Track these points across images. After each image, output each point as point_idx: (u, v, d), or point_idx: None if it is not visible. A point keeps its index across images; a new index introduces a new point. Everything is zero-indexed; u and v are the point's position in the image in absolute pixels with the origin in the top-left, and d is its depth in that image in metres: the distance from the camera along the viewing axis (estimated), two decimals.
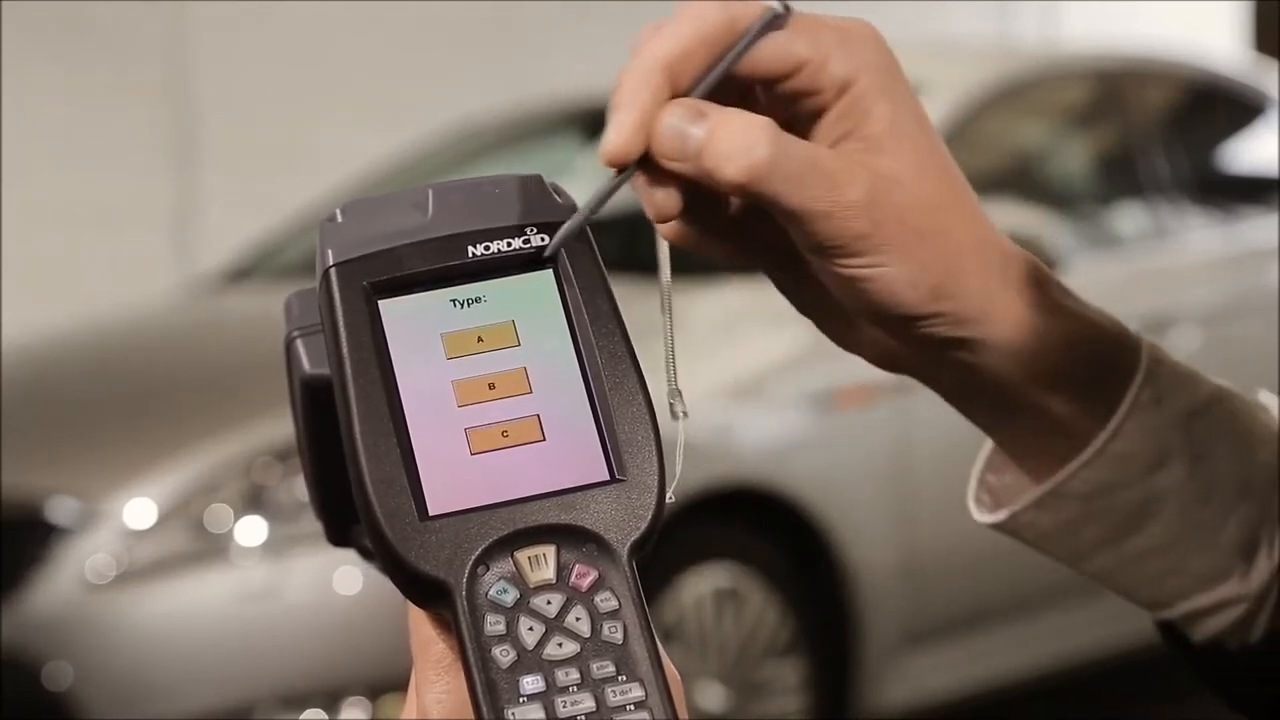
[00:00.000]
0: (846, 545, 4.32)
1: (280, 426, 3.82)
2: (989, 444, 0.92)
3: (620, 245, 4.99)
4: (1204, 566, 0.89)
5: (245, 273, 5.27)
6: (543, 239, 0.74)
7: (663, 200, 0.76)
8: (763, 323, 4.37)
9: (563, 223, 0.74)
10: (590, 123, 5.42)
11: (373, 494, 0.70)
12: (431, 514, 0.70)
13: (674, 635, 4.05)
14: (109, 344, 4.81)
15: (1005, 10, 9.39)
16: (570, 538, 0.70)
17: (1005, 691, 4.70)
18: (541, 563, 0.70)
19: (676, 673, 0.71)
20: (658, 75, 0.75)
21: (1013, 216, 4.62)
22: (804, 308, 0.86)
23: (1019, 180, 5.36)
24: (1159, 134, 5.43)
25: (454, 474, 0.71)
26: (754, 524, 4.27)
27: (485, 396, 0.72)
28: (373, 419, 0.71)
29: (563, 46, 7.52)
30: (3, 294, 6.52)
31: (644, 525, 0.71)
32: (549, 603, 0.69)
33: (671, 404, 0.74)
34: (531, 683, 0.68)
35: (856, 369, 4.53)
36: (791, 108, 0.80)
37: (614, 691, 0.68)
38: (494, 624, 0.68)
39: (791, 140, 0.77)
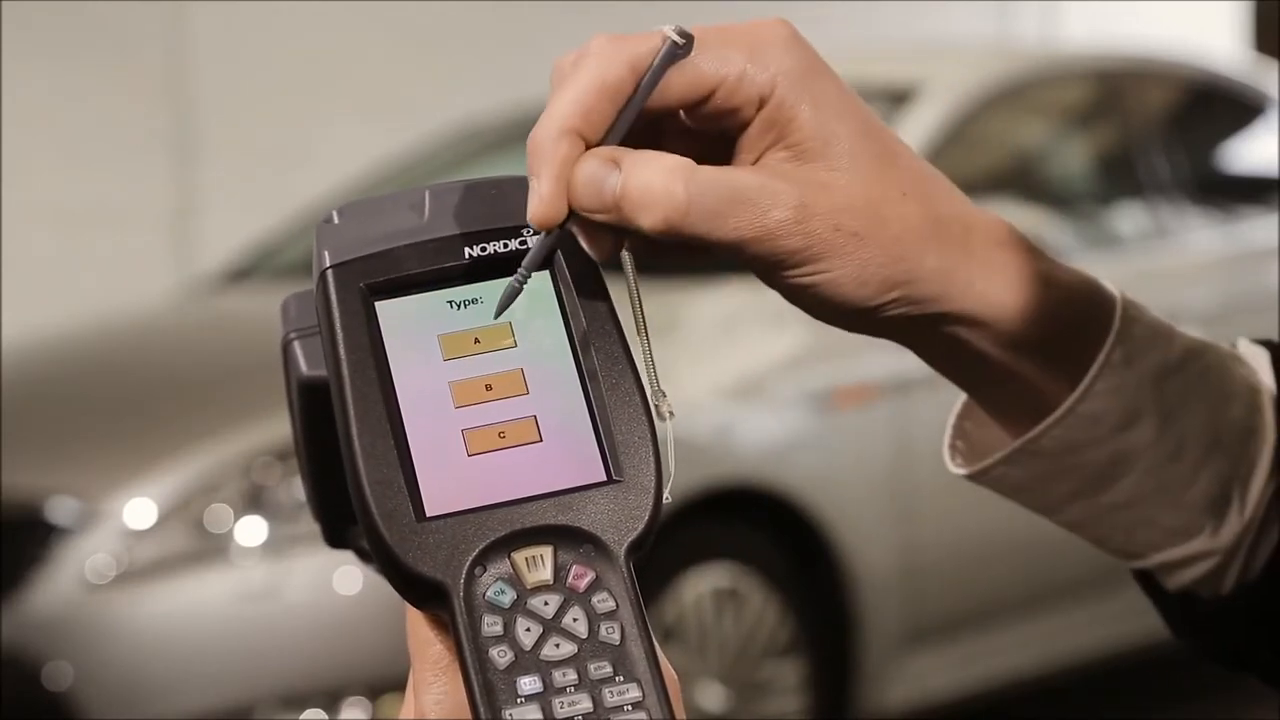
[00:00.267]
0: (846, 545, 4.32)
1: (280, 426, 3.82)
2: (964, 396, 0.92)
3: None
4: (1174, 521, 0.90)
5: (245, 273, 5.27)
6: (539, 241, 0.74)
7: (600, 245, 0.76)
8: (763, 323, 4.37)
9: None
10: None
11: (370, 495, 0.70)
12: (429, 515, 0.70)
13: (674, 635, 4.05)
14: (109, 344, 4.81)
15: (1005, 10, 9.39)
16: (567, 538, 0.70)
17: (1005, 691, 4.70)
18: (539, 563, 0.70)
19: (674, 673, 0.71)
20: (565, 137, 0.75)
21: (1013, 216, 4.61)
22: (783, 296, 0.86)
23: (1019, 180, 5.36)
24: (1159, 134, 5.43)
25: (451, 475, 0.71)
26: (754, 524, 4.27)
27: (482, 397, 0.72)
28: (370, 420, 0.71)
29: (563, 46, 7.50)
30: (3, 294, 6.52)
31: (641, 526, 0.71)
32: (546, 603, 0.69)
33: (657, 405, 0.74)
34: (529, 683, 0.68)
35: (856, 369, 4.53)
36: (715, 125, 0.80)
37: (611, 692, 0.68)
38: (491, 625, 0.69)
39: (708, 175, 0.77)
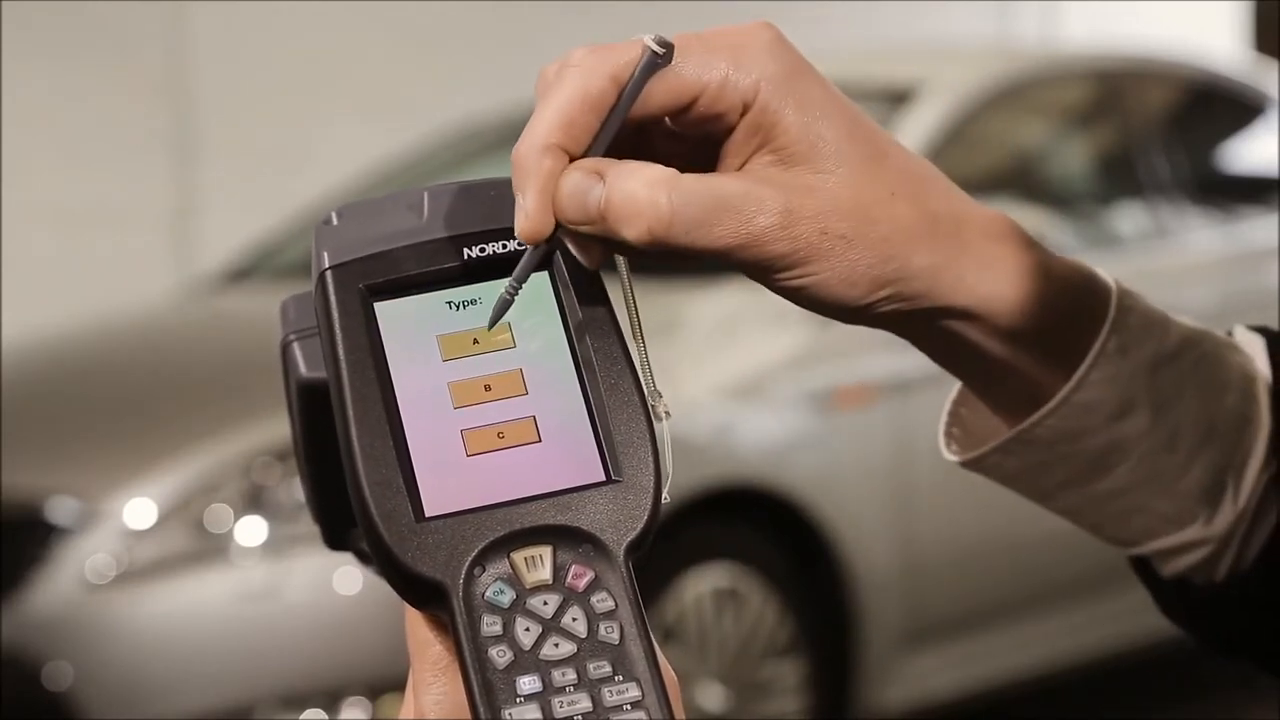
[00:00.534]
0: (846, 545, 4.32)
1: (280, 426, 3.81)
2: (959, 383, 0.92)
3: None
4: (1168, 510, 0.90)
5: (245, 273, 5.27)
6: None
7: (590, 254, 0.76)
8: (763, 323, 4.37)
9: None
10: None
11: (369, 495, 0.70)
12: (428, 515, 0.70)
13: (674, 635, 4.05)
14: (109, 344, 4.81)
15: (1005, 10, 9.39)
16: (567, 538, 0.70)
17: (1005, 691, 4.70)
18: (538, 563, 0.70)
19: (673, 673, 0.71)
20: (549, 151, 0.75)
21: (1013, 216, 4.62)
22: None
23: (1019, 180, 5.36)
24: (1159, 134, 5.43)
25: (450, 475, 0.71)
26: (754, 524, 4.27)
27: (481, 398, 0.72)
28: (369, 420, 0.71)
29: (563, 46, 7.50)
30: (3, 294, 6.52)
31: (640, 526, 0.71)
32: (546, 603, 0.69)
33: (653, 405, 0.74)
34: (528, 683, 0.68)
35: (856, 369, 4.52)
36: (700, 131, 0.80)
37: (611, 691, 0.68)
38: (491, 625, 0.69)
39: (691, 184, 0.77)
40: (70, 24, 6.88)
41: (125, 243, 6.96)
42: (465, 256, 0.74)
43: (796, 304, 0.82)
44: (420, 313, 0.73)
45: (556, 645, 0.68)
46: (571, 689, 0.68)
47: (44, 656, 3.80)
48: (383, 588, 0.73)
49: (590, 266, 0.76)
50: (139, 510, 3.87)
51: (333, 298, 0.73)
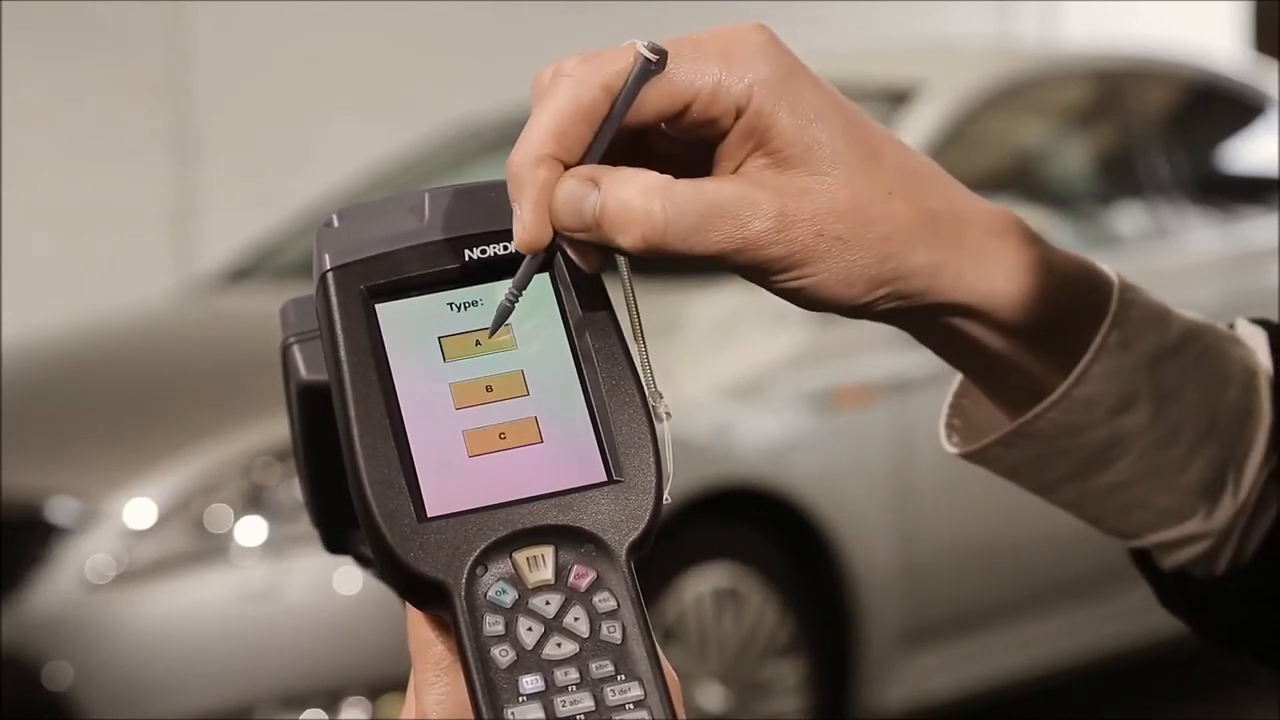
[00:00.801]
0: (846, 545, 4.32)
1: (280, 426, 3.81)
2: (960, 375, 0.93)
3: None
4: (1168, 504, 0.90)
5: (245, 273, 5.27)
6: None
7: (588, 260, 0.77)
8: (763, 323, 4.37)
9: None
10: None
11: (371, 496, 0.70)
12: (430, 515, 0.70)
13: (674, 635, 4.05)
14: (109, 344, 4.81)
15: (1005, 10, 9.39)
16: (568, 538, 0.70)
17: (1005, 691, 4.70)
18: (540, 563, 0.70)
19: (674, 673, 0.71)
20: (544, 162, 0.75)
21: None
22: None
23: (1019, 180, 5.36)
24: (1159, 134, 5.43)
25: (452, 476, 0.71)
26: (754, 524, 4.27)
27: (483, 399, 0.72)
28: (371, 421, 0.71)
29: (563, 46, 7.50)
30: (3, 294, 6.52)
31: (642, 526, 0.71)
32: (548, 603, 0.69)
33: (654, 406, 0.74)
34: (531, 682, 0.68)
35: (856, 369, 4.52)
36: (695, 135, 0.80)
37: (613, 691, 0.68)
38: (493, 624, 0.69)
39: (685, 190, 0.77)
40: (70, 24, 6.88)
41: (125, 243, 6.96)
42: (466, 258, 0.74)
43: (795, 304, 0.82)
44: (422, 314, 0.73)
45: (559, 645, 0.69)
46: (574, 688, 0.68)
47: (44, 656, 3.80)
48: (383, 588, 0.74)
49: (589, 271, 0.76)
50: (139, 510, 3.87)
51: (334, 299, 0.73)
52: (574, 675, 0.68)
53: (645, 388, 0.73)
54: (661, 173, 0.77)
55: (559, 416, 0.72)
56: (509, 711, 0.67)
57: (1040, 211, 4.83)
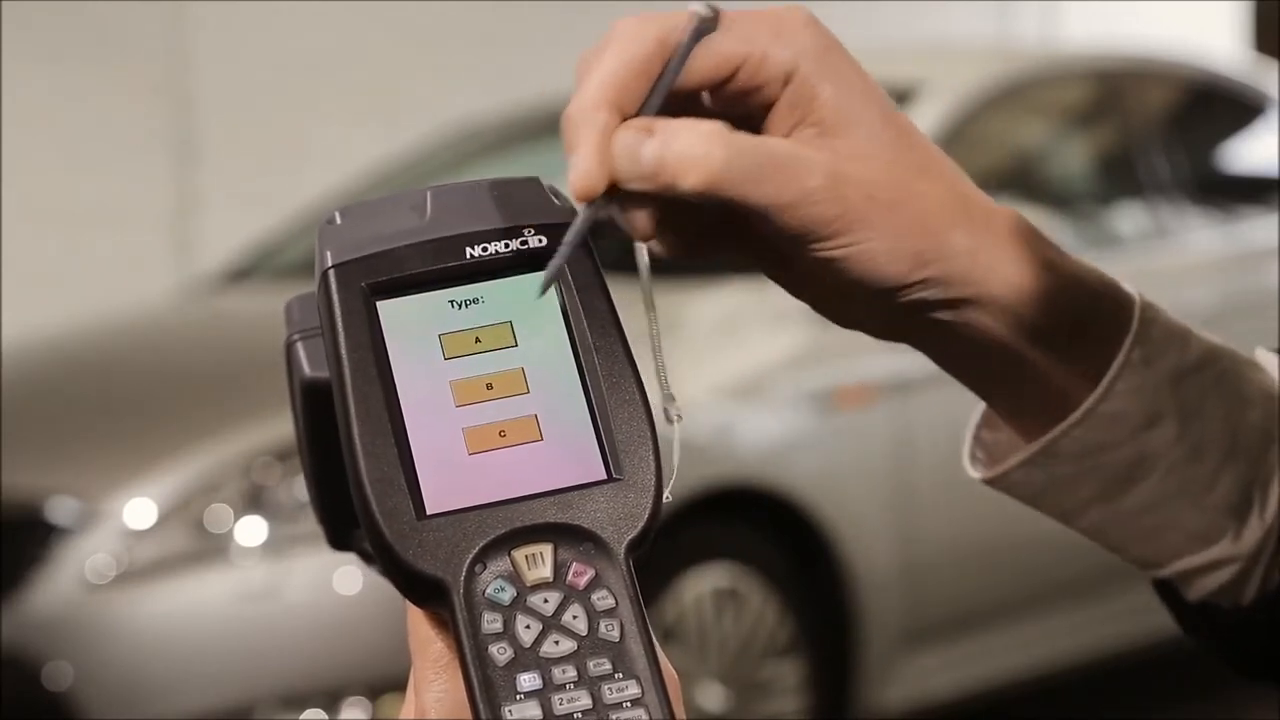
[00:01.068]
0: (846, 545, 4.32)
1: (280, 426, 3.82)
2: (982, 403, 0.92)
3: (619, 246, 4.99)
4: (1196, 525, 0.89)
5: (245, 273, 5.27)
6: (540, 240, 0.75)
7: (639, 221, 0.77)
8: (763, 323, 4.37)
9: (560, 224, 0.75)
10: None
11: (370, 493, 0.70)
12: (429, 513, 0.70)
13: (674, 635, 4.05)
14: (109, 344, 4.81)
15: (1005, 10, 9.39)
16: (567, 536, 0.70)
17: (1005, 691, 4.70)
18: (539, 561, 0.70)
19: (673, 671, 0.71)
20: (603, 108, 0.76)
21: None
22: (797, 292, 0.86)
23: (1019, 180, 5.36)
24: (1159, 134, 5.43)
25: (452, 473, 0.71)
26: (754, 524, 4.27)
27: (483, 396, 0.72)
28: (371, 419, 0.71)
29: (562, 46, 7.51)
30: (3, 294, 6.52)
31: (641, 524, 0.71)
32: (546, 601, 0.69)
33: (665, 409, 0.74)
34: (529, 680, 0.68)
35: (856, 369, 4.52)
36: (740, 106, 0.80)
37: (611, 689, 0.68)
38: (491, 622, 0.69)
39: (744, 138, 0.78)
40: (70, 24, 6.88)
41: (125, 243, 6.96)
42: (468, 256, 0.74)
43: (833, 284, 0.82)
44: (423, 311, 0.73)
45: (557, 643, 0.69)
46: (571, 686, 0.68)
47: (44, 656, 3.80)
48: (382, 588, 0.74)
49: (640, 236, 0.77)
50: (139, 510, 3.87)
51: (335, 296, 0.73)
52: (572, 673, 0.68)
53: (659, 390, 0.73)
54: None
55: (559, 414, 0.72)
56: (507, 709, 0.67)
57: (1040, 211, 4.83)
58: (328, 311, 0.73)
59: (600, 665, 0.68)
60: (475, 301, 0.74)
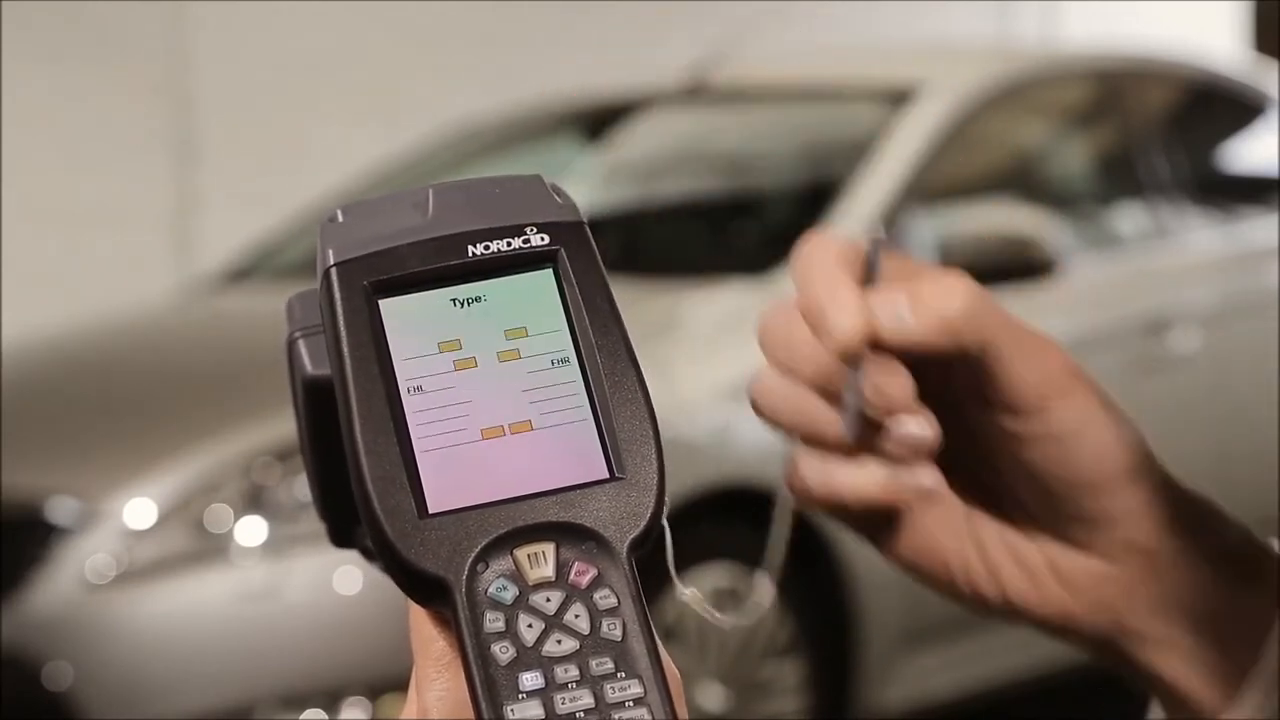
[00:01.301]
0: (846, 545, 4.32)
1: (280, 426, 3.82)
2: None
3: (621, 246, 4.99)
4: None
5: (245, 273, 5.27)
6: (542, 239, 0.74)
7: (896, 387, 0.78)
8: None
9: (561, 222, 0.74)
10: (590, 123, 5.42)
11: (372, 491, 0.70)
12: (431, 511, 0.70)
13: (674, 635, 4.05)
14: (109, 344, 4.81)
15: (1005, 10, 9.39)
16: (570, 535, 0.70)
17: (1006, 691, 4.70)
18: (541, 560, 0.70)
19: (675, 671, 0.71)
20: (844, 269, 0.77)
21: (1013, 217, 4.62)
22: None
23: (1019, 180, 5.37)
24: (1159, 134, 5.43)
25: (454, 472, 0.71)
26: (754, 524, 4.27)
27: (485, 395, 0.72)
28: (372, 417, 0.71)
29: (563, 46, 7.52)
30: (3, 294, 6.52)
31: (643, 523, 0.71)
32: (548, 600, 0.69)
33: (680, 592, 0.75)
34: (531, 679, 0.68)
35: None
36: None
37: (613, 688, 0.68)
38: (493, 621, 0.69)
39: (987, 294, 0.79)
40: (70, 24, 6.88)
41: (125, 243, 6.96)
42: (470, 254, 0.74)
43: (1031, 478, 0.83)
44: (424, 309, 0.73)
45: (559, 642, 0.69)
46: (574, 685, 0.68)
47: (44, 656, 3.80)
48: (383, 588, 0.74)
49: (887, 408, 0.78)
50: (139, 510, 3.87)
51: (337, 294, 0.73)
52: (574, 672, 0.68)
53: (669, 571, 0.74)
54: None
55: (561, 413, 0.72)
56: (508, 708, 0.67)
57: (1040, 211, 4.83)
58: (329, 310, 0.73)
59: (603, 664, 0.68)
60: (477, 300, 0.74)
